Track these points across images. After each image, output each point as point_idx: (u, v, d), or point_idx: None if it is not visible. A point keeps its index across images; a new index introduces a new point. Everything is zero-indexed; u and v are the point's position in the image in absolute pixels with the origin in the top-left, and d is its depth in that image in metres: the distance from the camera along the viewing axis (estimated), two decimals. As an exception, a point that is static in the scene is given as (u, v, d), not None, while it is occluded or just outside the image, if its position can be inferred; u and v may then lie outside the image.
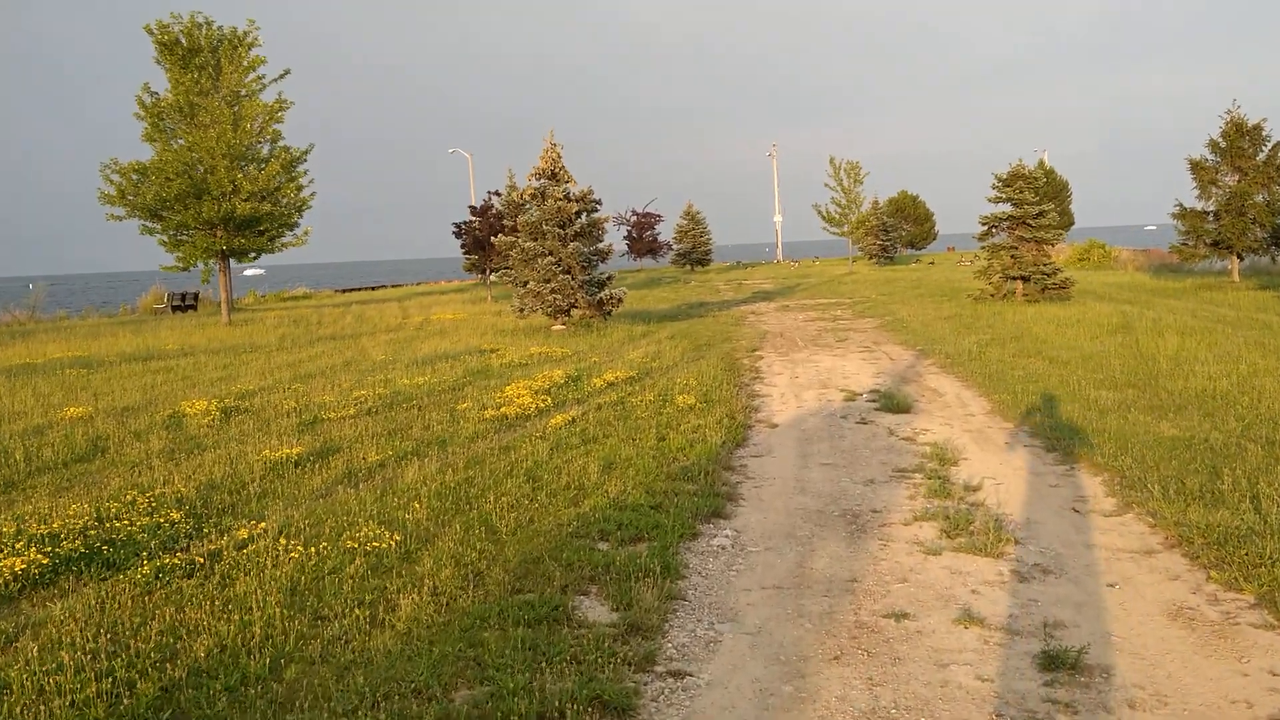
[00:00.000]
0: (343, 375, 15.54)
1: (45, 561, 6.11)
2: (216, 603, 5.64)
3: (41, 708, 4.35)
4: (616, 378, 14.01)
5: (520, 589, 5.82)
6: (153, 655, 4.90)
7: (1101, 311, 22.81)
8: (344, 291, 58.27)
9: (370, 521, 6.96)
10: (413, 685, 4.55)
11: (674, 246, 67.09)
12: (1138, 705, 4.44)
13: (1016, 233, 27.60)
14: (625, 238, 69.45)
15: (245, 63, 28.56)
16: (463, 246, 37.43)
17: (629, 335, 21.47)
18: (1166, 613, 5.48)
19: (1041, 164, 70.20)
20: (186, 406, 12.31)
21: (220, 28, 28.22)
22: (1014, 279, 27.60)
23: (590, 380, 13.80)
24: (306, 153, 28.97)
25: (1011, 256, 27.43)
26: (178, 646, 5.06)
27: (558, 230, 22.79)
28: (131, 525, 6.86)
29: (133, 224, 28.18)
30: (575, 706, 4.32)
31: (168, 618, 5.42)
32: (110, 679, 4.59)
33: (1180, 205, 31.71)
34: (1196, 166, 31.22)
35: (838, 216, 58.44)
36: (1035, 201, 27.39)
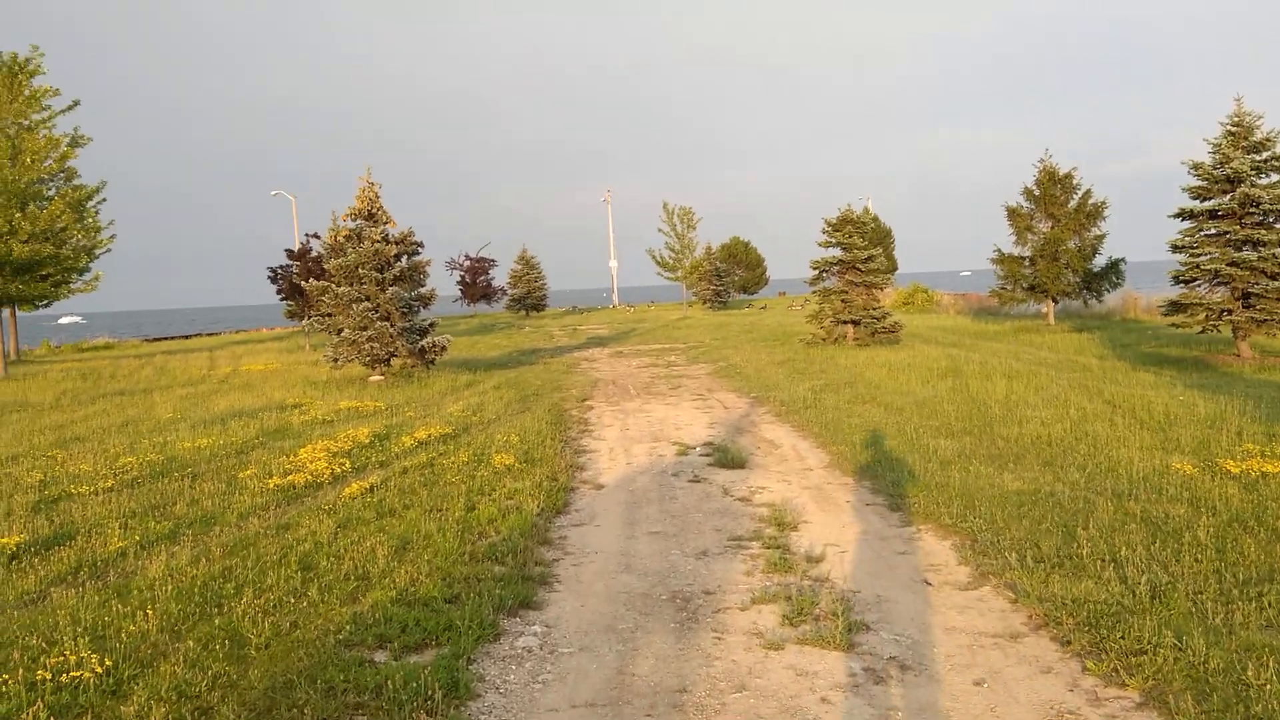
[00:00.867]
0: (115, 438, 13.62)
1: None
2: None
3: None
4: (430, 435, 12.69)
5: (259, 730, 4.51)
6: None
7: (930, 355, 22.90)
8: (153, 340, 54.23)
9: (81, 639, 5.46)
10: None
11: (508, 292, 65.77)
12: None
13: (846, 277, 27.71)
14: (459, 283, 67.72)
15: (27, 93, 25.90)
16: (279, 292, 35.11)
17: (452, 386, 20.10)
18: (1045, 719, 4.65)
19: (867, 210, 72.57)
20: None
21: (-3, 53, 25.55)
22: (845, 323, 27.66)
23: (399, 439, 12.43)
24: (97, 190, 26.41)
25: (842, 301, 27.50)
26: None
27: (375, 274, 21.27)
28: None
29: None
30: None
31: None
32: None
33: (999, 251, 32.75)
34: (1013, 213, 32.34)
35: (671, 261, 58.54)
36: (864, 246, 27.60)
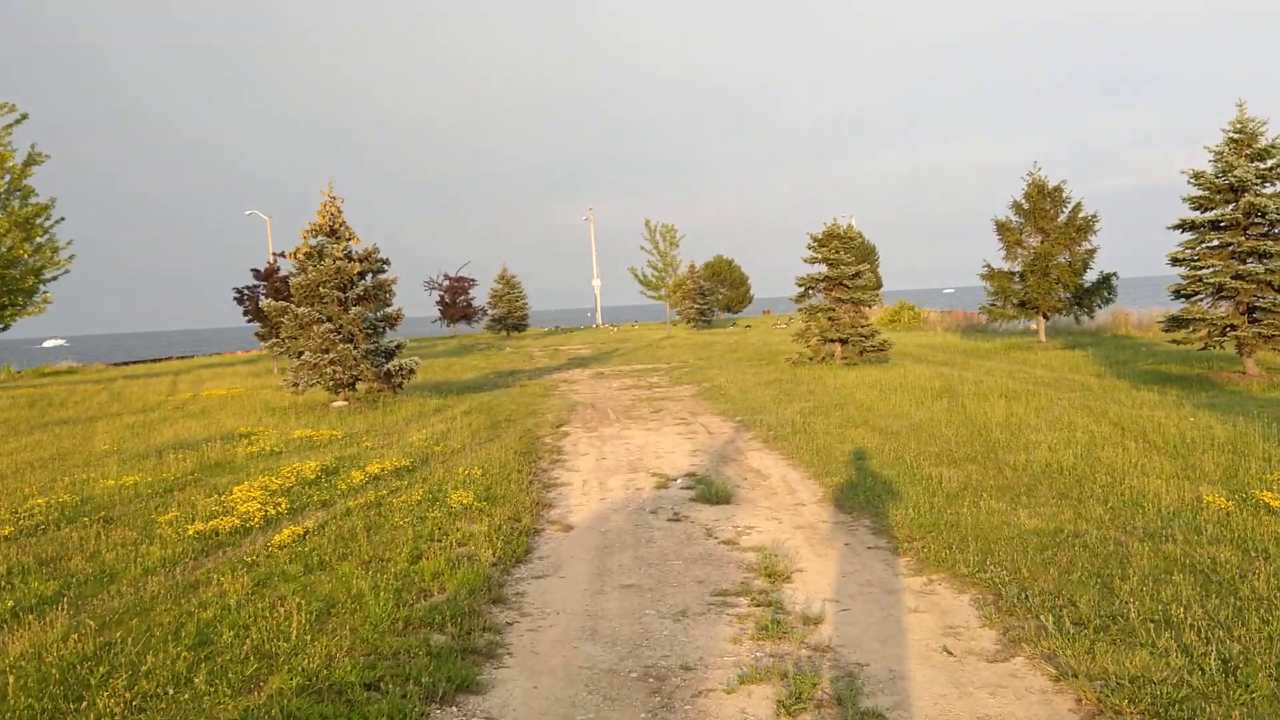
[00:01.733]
0: (36, 474, 12.42)
1: None
2: None
3: None
4: (384, 469, 11.54)
5: None
6: None
7: (922, 374, 21.91)
8: (121, 364, 52.73)
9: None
10: None
11: (489, 312, 64.61)
12: None
13: (833, 294, 26.73)
14: (438, 303, 66.59)
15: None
16: (245, 314, 33.85)
17: (420, 411, 18.95)
18: None
19: (850, 227, 71.83)
20: None
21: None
22: (832, 341, 26.67)
23: (349, 474, 11.27)
24: (46, 209, 25.16)
25: (829, 319, 26.51)
26: None
27: (337, 293, 20.12)
28: None
29: None
30: None
31: None
32: None
33: (989, 266, 31.86)
34: (1002, 228, 31.48)
35: (654, 280, 57.52)
36: (851, 261, 26.64)
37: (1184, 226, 20.65)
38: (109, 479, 11.43)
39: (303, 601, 6.39)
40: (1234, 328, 19.67)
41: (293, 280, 20.25)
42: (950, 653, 5.65)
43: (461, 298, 66.34)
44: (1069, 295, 31.04)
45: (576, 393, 23.58)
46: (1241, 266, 19.47)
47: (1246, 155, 19.54)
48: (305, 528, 8.63)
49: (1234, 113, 20.02)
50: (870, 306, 27.68)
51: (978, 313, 37.50)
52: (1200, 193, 20.33)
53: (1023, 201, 31.46)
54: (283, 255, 33.06)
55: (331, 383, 20.29)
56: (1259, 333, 19.25)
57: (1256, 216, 19.27)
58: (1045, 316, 31.97)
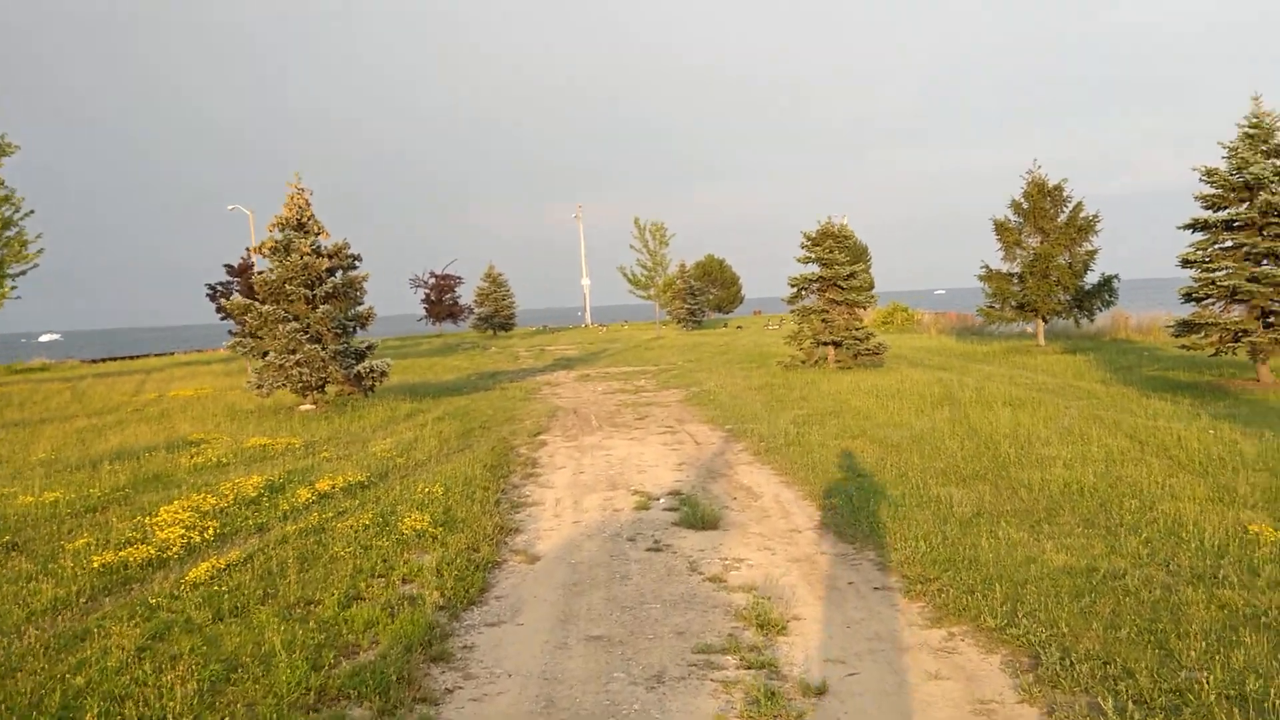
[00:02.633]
0: (-47, 489, 11.27)
1: None
2: None
3: None
4: (335, 485, 10.44)
5: None
6: None
7: (919, 380, 20.90)
8: (96, 361, 51.38)
9: None
10: None
11: (475, 310, 63.44)
12: None
13: (827, 295, 25.68)
14: (423, 301, 65.47)
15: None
16: (218, 311, 32.67)
17: (390, 417, 17.84)
18: None
19: (844, 226, 70.80)
20: None
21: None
22: (826, 344, 25.62)
23: (295, 491, 10.16)
24: (5, 199, 23.96)
25: (823, 321, 25.46)
26: None
27: (304, 290, 19.00)
28: None
29: None
30: None
31: None
32: None
33: (986, 267, 30.89)
34: (1001, 227, 30.51)
35: (644, 279, 56.48)
36: (846, 261, 25.60)
37: (1195, 226, 19.68)
38: (29, 495, 10.29)
39: (198, 664, 5.30)
40: (1247, 333, 18.70)
41: (256, 277, 19.13)
42: (986, 740, 4.60)
43: (447, 296, 65.24)
44: (1069, 298, 30.10)
45: (559, 397, 22.51)
46: (1257, 269, 18.51)
47: (1263, 151, 18.57)
48: (229, 560, 7.53)
49: (1249, 107, 19.08)
50: (865, 308, 26.66)
51: (974, 315, 36.53)
52: (1213, 191, 19.37)
53: (1022, 201, 30.51)
54: (258, 251, 31.93)
55: (299, 385, 19.18)
56: (1275, 338, 18.29)
57: (1273, 216, 18.30)
58: (1044, 319, 31.03)
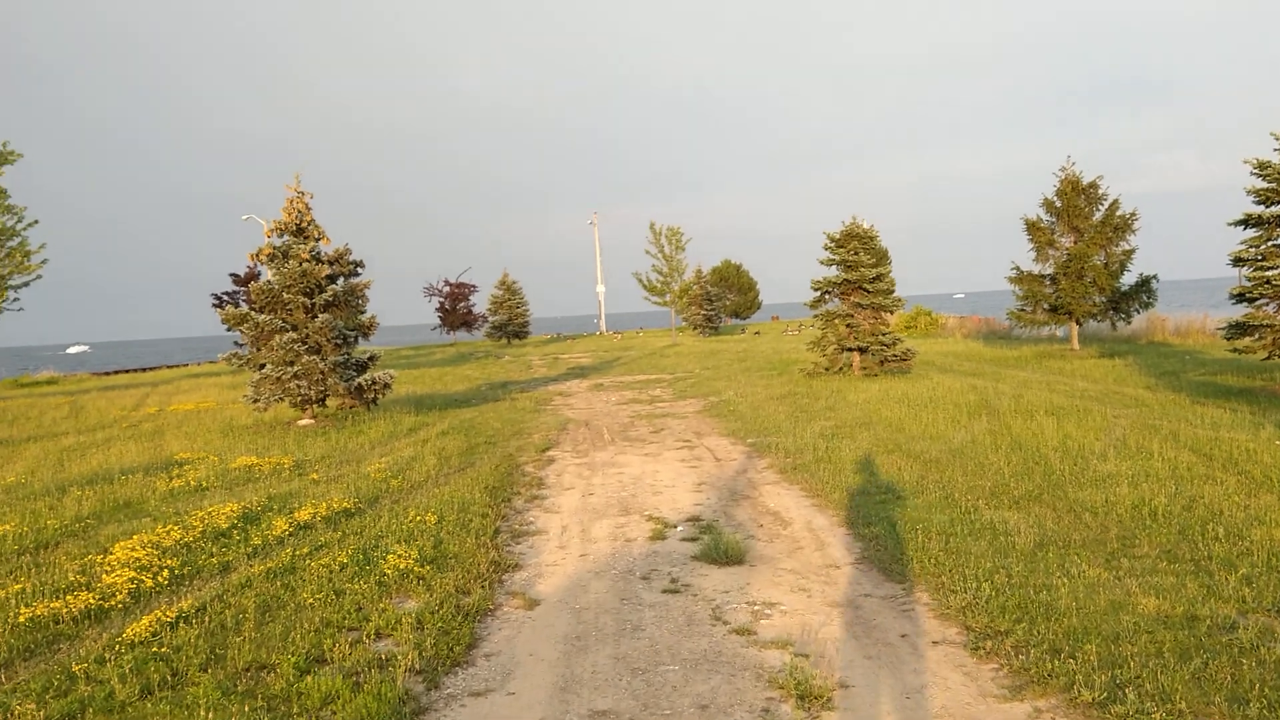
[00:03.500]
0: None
1: None
2: None
3: None
4: (316, 514, 9.40)
5: None
6: None
7: (952, 387, 19.75)
8: (105, 374, 50.72)
9: None
10: None
11: (489, 319, 62.55)
12: None
13: (852, 298, 24.54)
14: (437, 310, 64.65)
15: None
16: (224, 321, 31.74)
17: (391, 431, 16.84)
18: None
19: (871, 227, 69.48)
20: None
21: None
22: (850, 350, 24.49)
23: (272, 521, 9.13)
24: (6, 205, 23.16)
25: (847, 326, 24.33)
26: None
27: (303, 299, 18.02)
28: None
29: None
30: None
31: None
32: None
33: (1018, 269, 29.62)
34: (1032, 227, 29.24)
35: (659, 285, 55.39)
36: (871, 263, 24.46)
37: (1248, 222, 18.44)
38: (-22, 528, 9.30)
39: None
40: (1304, 335, 17.48)
41: (253, 285, 18.18)
42: None
43: (461, 304, 64.38)
44: (1104, 299, 28.82)
45: (571, 407, 21.47)
46: (1316, 267, 17.28)
47: (1323, 140, 17.32)
48: (180, 609, 6.49)
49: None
50: (891, 312, 25.47)
51: (1005, 318, 35.22)
52: (1266, 185, 18.13)
53: (1055, 199, 29.23)
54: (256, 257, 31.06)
55: (297, 399, 18.22)
56: (1336, 341, 17.04)
57: (1334, 210, 17.07)
58: (1078, 322, 29.74)
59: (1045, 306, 29.25)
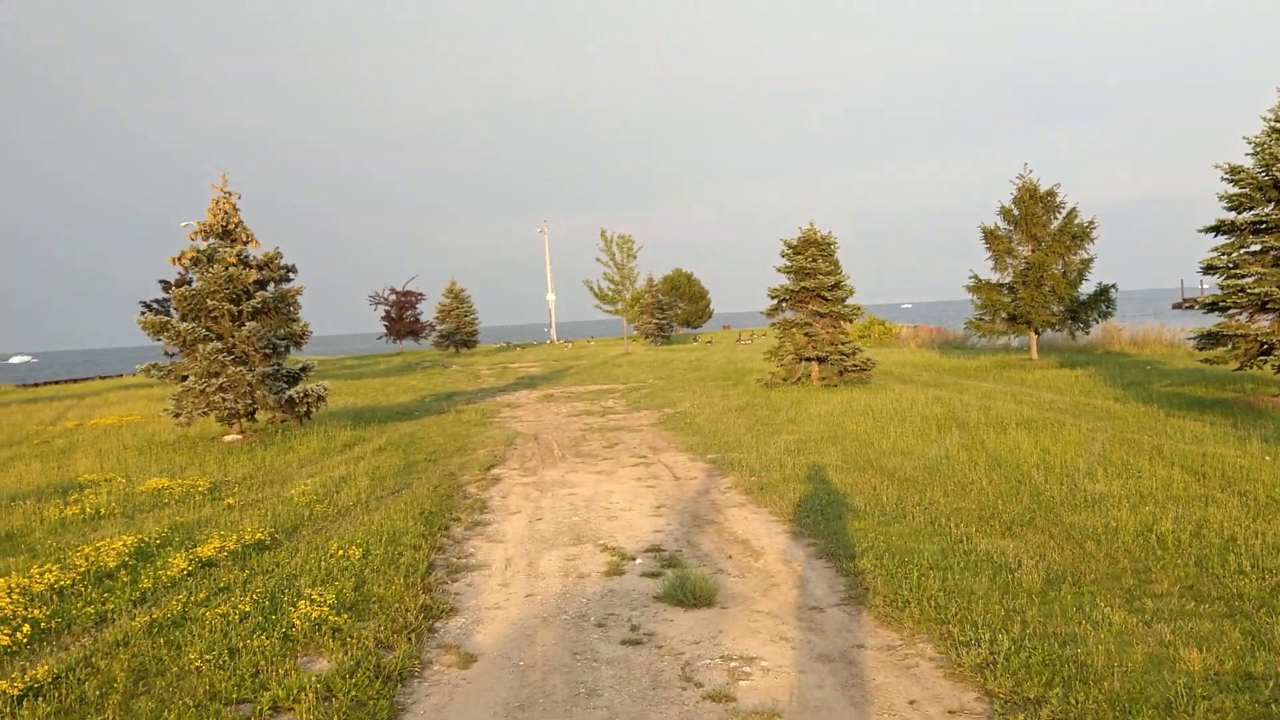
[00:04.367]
0: None
1: None
2: None
3: None
4: (225, 547, 8.22)
5: None
6: None
7: (915, 399, 18.96)
8: (33, 385, 48.43)
9: None
10: None
11: (436, 327, 61.09)
12: None
13: (810, 307, 23.70)
14: (383, 318, 63.05)
15: None
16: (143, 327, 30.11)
17: (325, 448, 15.60)
18: None
19: (829, 234, 68.99)
20: None
21: None
22: (808, 360, 23.65)
23: (170, 558, 7.92)
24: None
25: (805, 335, 23.46)
26: None
27: (229, 306, 16.71)
28: None
29: None
30: None
31: None
32: None
33: (976, 278, 29.06)
34: (990, 235, 28.71)
35: (611, 294, 54.34)
36: (830, 271, 23.64)
37: (1219, 229, 17.89)
38: None
39: None
40: (1275, 346, 16.94)
41: (174, 291, 16.84)
42: None
43: (408, 313, 62.90)
44: (1063, 308, 28.34)
45: (519, 420, 20.35)
46: (1290, 274, 16.73)
47: (1295, 145, 16.81)
48: (33, 678, 5.31)
49: (1275, 99, 17.33)
50: (850, 321, 24.67)
51: (960, 328, 34.70)
52: (1238, 190, 17.60)
53: (1012, 207, 28.73)
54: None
55: (224, 412, 16.90)
56: (1311, 351, 16.50)
57: (1309, 216, 16.55)
58: (1037, 332, 29.25)
59: (1004, 315, 28.72)
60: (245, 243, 17.36)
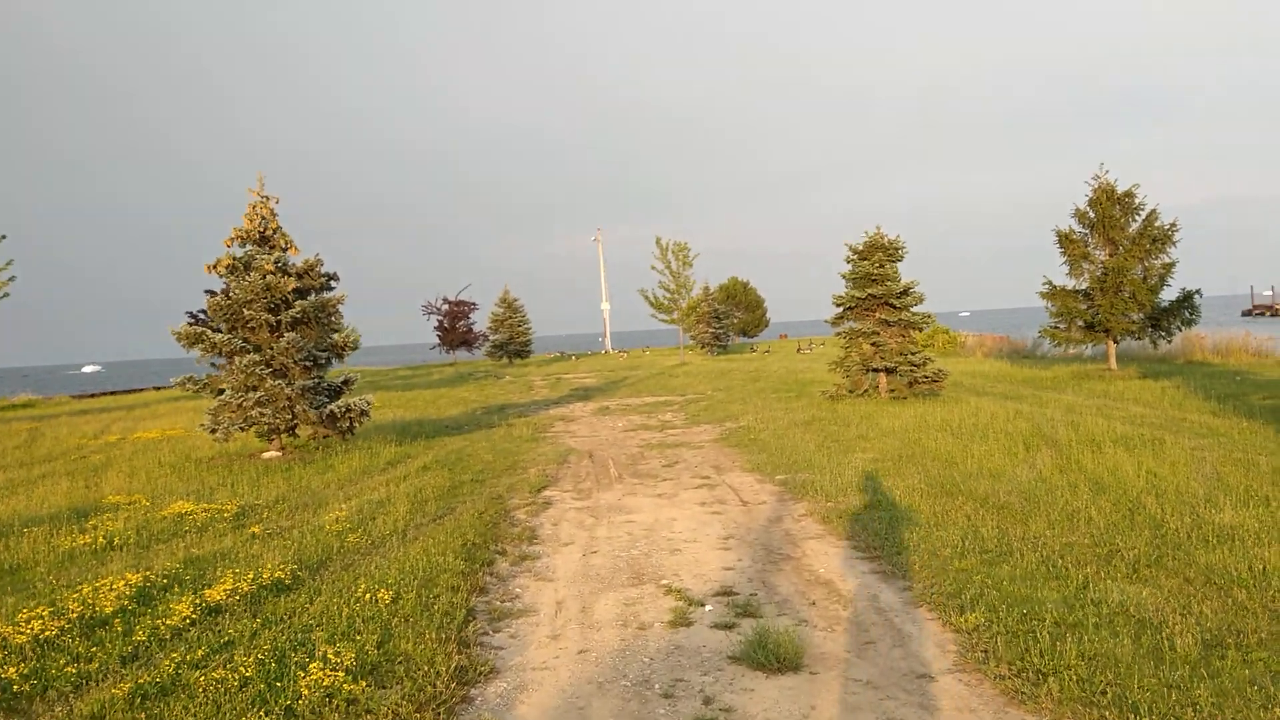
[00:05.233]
0: None
1: None
2: None
3: None
4: (239, 588, 7.28)
5: None
6: None
7: (993, 412, 17.64)
8: (86, 396, 48.59)
9: None
10: None
11: (489, 337, 60.58)
12: None
13: (877, 315, 22.44)
14: (436, 328, 62.73)
15: None
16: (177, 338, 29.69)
17: (367, 466, 14.73)
18: None
19: (897, 238, 67.47)
20: None
21: None
22: (876, 371, 22.38)
23: (175, 603, 6.99)
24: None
25: (873, 344, 22.21)
26: None
27: (267, 316, 15.93)
28: None
29: None
30: None
31: None
32: None
33: (1050, 284, 27.52)
34: (1065, 239, 27.15)
35: (666, 302, 53.39)
36: (897, 276, 22.36)
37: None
38: None
39: None
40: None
41: (209, 300, 16.12)
42: None
43: (461, 323, 62.49)
44: (1143, 316, 26.70)
45: (573, 435, 19.37)
46: None
47: None
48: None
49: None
50: (920, 329, 23.35)
51: (1037, 335, 33.04)
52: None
53: (1088, 210, 27.16)
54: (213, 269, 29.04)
55: (264, 427, 16.12)
56: None
57: None
58: (1115, 340, 27.63)
59: (1080, 323, 27.16)
60: (284, 249, 16.60)
